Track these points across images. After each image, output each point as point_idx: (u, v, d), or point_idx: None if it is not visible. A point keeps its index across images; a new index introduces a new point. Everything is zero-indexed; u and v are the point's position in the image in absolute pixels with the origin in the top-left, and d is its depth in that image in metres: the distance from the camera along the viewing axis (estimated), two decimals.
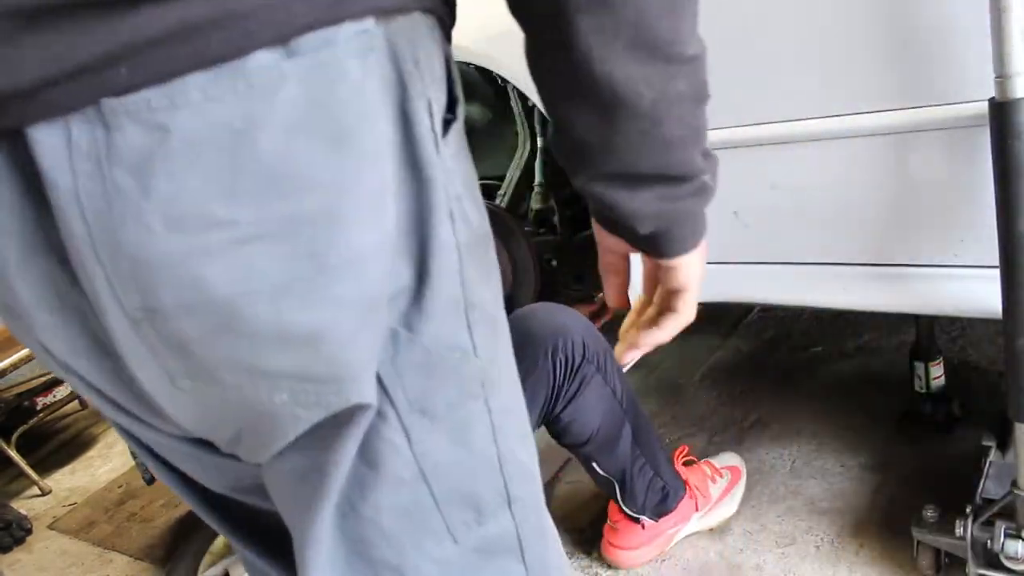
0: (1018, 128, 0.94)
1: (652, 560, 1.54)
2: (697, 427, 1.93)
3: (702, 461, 1.63)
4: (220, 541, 1.58)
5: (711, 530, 1.56)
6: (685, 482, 1.53)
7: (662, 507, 1.49)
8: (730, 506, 1.58)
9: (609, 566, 1.56)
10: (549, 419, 1.33)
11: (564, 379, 1.29)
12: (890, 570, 1.35)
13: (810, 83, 1.20)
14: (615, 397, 1.38)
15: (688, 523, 1.55)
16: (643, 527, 1.50)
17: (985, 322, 1.17)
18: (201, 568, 1.50)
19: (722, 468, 1.62)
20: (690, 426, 1.94)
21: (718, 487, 1.58)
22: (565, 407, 1.31)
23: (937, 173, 1.15)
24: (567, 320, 1.32)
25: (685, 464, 1.58)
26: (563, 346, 1.27)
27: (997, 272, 1.03)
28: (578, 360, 1.29)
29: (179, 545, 1.61)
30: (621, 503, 1.47)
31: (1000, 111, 0.95)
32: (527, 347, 1.27)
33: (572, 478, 1.83)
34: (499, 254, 1.75)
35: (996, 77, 0.94)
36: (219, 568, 1.48)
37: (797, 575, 1.40)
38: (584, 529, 1.67)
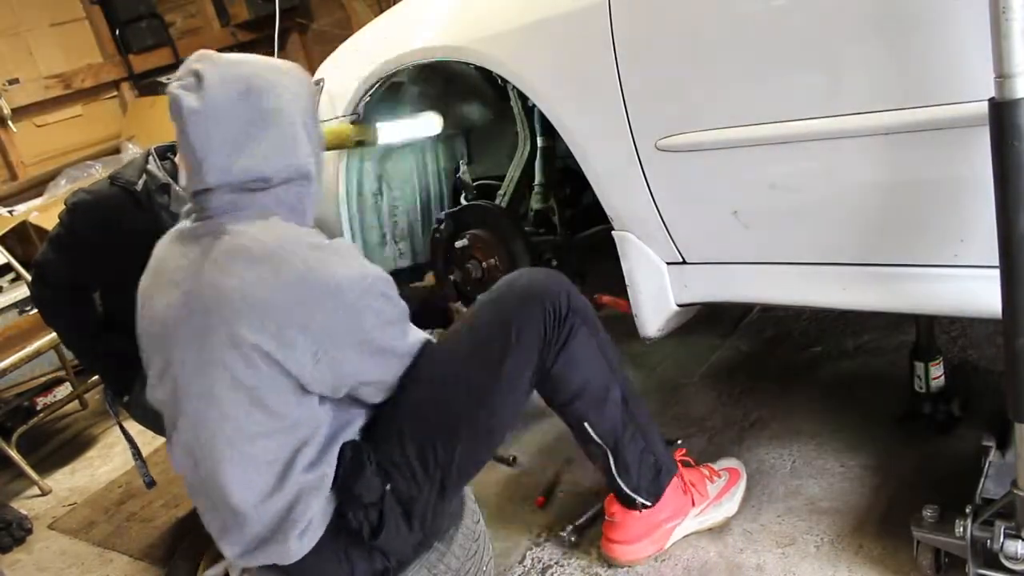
0: (1018, 128, 0.94)
1: (651, 556, 1.54)
2: (697, 427, 1.93)
3: (701, 465, 1.64)
4: None
5: (710, 530, 1.56)
6: (679, 474, 1.54)
7: (656, 484, 1.50)
8: (730, 505, 1.58)
9: (609, 566, 1.56)
10: (543, 375, 1.36)
11: (553, 330, 1.33)
12: (890, 570, 1.35)
13: (810, 83, 1.21)
14: (602, 352, 1.41)
15: (685, 519, 1.55)
16: (640, 513, 1.50)
17: (985, 322, 1.17)
18: (201, 568, 1.50)
19: (720, 470, 1.63)
20: (690, 426, 1.94)
21: (716, 486, 1.59)
22: (556, 359, 1.35)
23: (937, 173, 1.15)
24: (550, 278, 1.39)
25: (682, 465, 1.58)
26: (551, 299, 1.33)
27: (997, 272, 1.03)
28: (564, 310, 1.34)
29: (179, 545, 1.61)
30: (616, 476, 1.47)
31: (1000, 111, 0.95)
32: (518, 306, 1.34)
33: (571, 479, 1.83)
34: (498, 254, 1.81)
35: (996, 77, 0.94)
36: (219, 568, 1.48)
37: (797, 575, 1.41)
38: (584, 528, 1.67)
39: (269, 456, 1.20)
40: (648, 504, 1.50)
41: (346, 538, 1.26)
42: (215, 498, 1.22)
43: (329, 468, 1.24)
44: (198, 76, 1.20)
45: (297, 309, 1.15)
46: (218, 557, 1.52)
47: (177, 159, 1.34)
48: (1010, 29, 0.91)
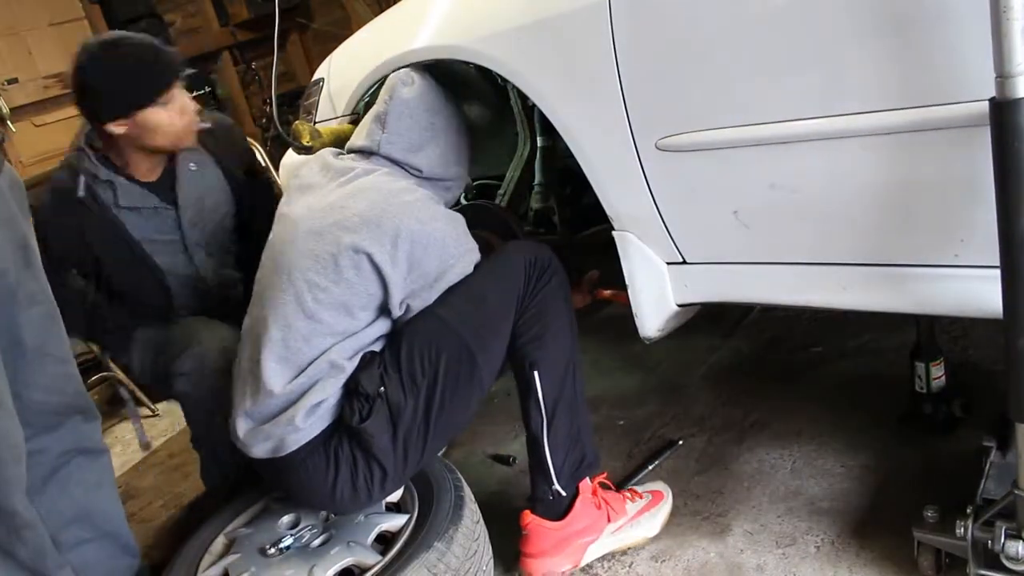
0: (1018, 128, 0.94)
1: (566, 572, 1.55)
2: (697, 427, 1.93)
3: (624, 489, 1.66)
4: (220, 541, 1.58)
5: (629, 543, 1.57)
6: (594, 491, 1.56)
7: (575, 476, 1.53)
8: (650, 525, 1.59)
9: (609, 566, 1.56)
10: (519, 317, 1.46)
11: (534, 276, 1.47)
12: (891, 570, 1.35)
13: (810, 83, 1.20)
14: (568, 318, 1.51)
15: (601, 536, 1.56)
16: (553, 525, 1.52)
17: (986, 322, 1.17)
18: (201, 568, 1.50)
19: (644, 492, 1.64)
20: (690, 426, 1.94)
21: (635, 505, 1.60)
22: (531, 302, 1.47)
23: (937, 173, 1.15)
24: (540, 245, 1.56)
25: (602, 487, 1.60)
26: (536, 254, 1.49)
27: (997, 272, 1.03)
28: (546, 264, 1.49)
29: (179, 545, 1.61)
30: (545, 445, 1.49)
31: (1000, 111, 0.95)
32: (508, 257, 1.49)
33: None
34: None
35: (996, 77, 0.94)
36: (219, 568, 1.47)
37: (798, 575, 1.40)
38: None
39: (314, 347, 1.39)
40: (563, 494, 1.52)
41: (336, 442, 1.40)
42: (255, 372, 1.42)
43: (350, 365, 1.41)
44: (413, 79, 1.56)
45: (410, 240, 1.38)
46: (218, 557, 1.52)
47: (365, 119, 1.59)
48: (1010, 29, 0.91)
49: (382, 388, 1.40)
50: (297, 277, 1.40)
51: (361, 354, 1.43)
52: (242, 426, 1.43)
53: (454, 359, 1.42)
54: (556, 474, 1.50)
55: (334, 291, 1.38)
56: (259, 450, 1.42)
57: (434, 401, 1.42)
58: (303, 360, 1.40)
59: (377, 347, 1.45)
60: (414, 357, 1.41)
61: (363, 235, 1.37)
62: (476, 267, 1.49)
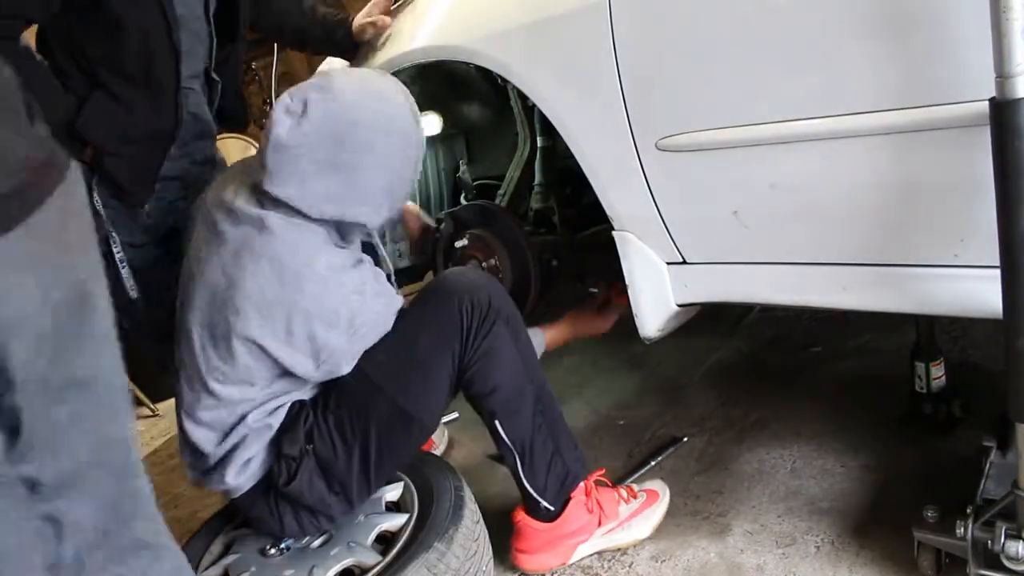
0: (1018, 128, 0.94)
1: (554, 568, 1.56)
2: (697, 427, 1.93)
3: (621, 486, 1.66)
4: (220, 541, 1.58)
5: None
6: (587, 492, 1.56)
7: (562, 491, 1.52)
8: (641, 528, 1.59)
9: (609, 566, 1.56)
10: (463, 368, 1.41)
11: (472, 324, 1.39)
12: (891, 570, 1.35)
13: (810, 83, 1.20)
14: (520, 354, 1.46)
15: (591, 538, 1.57)
16: (544, 525, 1.53)
17: (986, 322, 1.17)
18: (201, 568, 1.50)
19: (640, 491, 1.64)
20: (690, 426, 1.94)
21: (628, 508, 1.60)
22: (475, 354, 1.41)
23: (937, 173, 1.15)
24: (476, 278, 1.47)
25: (597, 484, 1.60)
26: (471, 297, 1.40)
27: (997, 272, 1.03)
28: (485, 309, 1.40)
29: (178, 545, 1.61)
30: (523, 479, 1.49)
31: (1001, 111, 0.95)
32: (440, 301, 1.42)
33: None
34: (498, 254, 1.81)
35: (997, 77, 0.94)
36: (219, 568, 1.48)
37: (798, 575, 1.40)
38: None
39: (232, 413, 1.38)
40: (552, 509, 1.52)
41: (275, 492, 1.41)
42: (184, 434, 1.42)
43: (276, 421, 1.41)
44: (305, 106, 1.28)
45: (307, 322, 1.30)
46: (218, 557, 1.52)
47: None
48: (1010, 29, 0.91)
49: (309, 445, 1.38)
50: (199, 356, 1.36)
51: (287, 406, 1.41)
52: (190, 474, 1.49)
53: (384, 417, 1.39)
54: (541, 496, 1.51)
55: (231, 374, 1.35)
56: (209, 488, 1.48)
57: (370, 453, 1.40)
58: (226, 424, 1.39)
59: (306, 396, 1.44)
60: (342, 416, 1.39)
61: (255, 323, 1.29)
62: (409, 313, 1.42)
